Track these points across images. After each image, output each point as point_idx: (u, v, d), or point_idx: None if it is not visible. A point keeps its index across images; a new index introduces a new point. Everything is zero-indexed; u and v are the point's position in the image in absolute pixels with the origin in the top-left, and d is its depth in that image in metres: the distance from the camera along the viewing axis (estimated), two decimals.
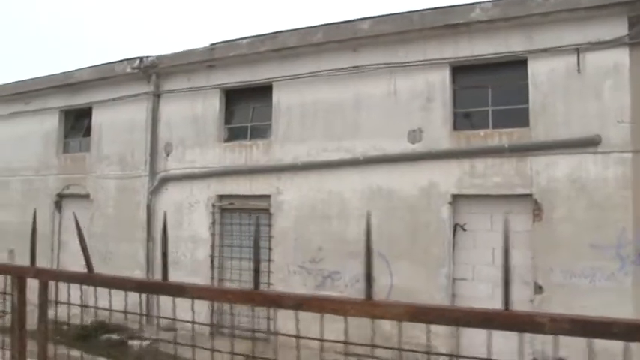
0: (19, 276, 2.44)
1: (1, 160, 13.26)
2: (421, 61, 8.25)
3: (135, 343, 9.21)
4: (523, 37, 7.71)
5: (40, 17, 52.81)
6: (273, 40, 9.12)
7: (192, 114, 10.10)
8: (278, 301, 1.85)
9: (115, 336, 9.50)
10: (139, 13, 55.78)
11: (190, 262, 9.83)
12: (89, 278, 2.28)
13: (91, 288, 2.33)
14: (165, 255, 2.00)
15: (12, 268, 2.52)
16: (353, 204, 8.50)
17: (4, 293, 2.63)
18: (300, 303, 1.77)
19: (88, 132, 11.95)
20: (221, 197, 9.69)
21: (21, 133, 12.86)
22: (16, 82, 12.86)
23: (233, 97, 9.97)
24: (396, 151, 8.28)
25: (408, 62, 8.32)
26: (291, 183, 8.99)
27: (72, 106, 12.01)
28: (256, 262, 1.88)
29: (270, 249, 9.07)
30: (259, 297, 1.85)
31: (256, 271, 1.86)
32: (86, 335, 9.52)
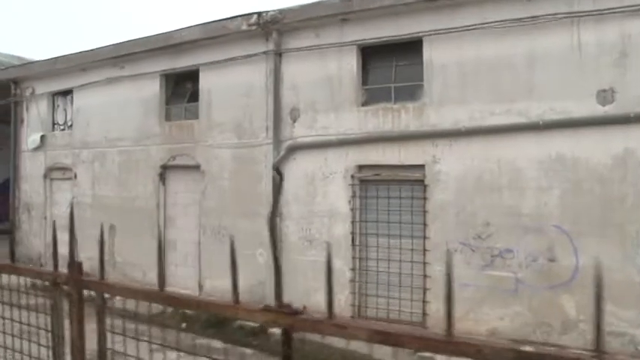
0: None
1: (98, 130, 13.13)
2: (613, 8, 7.49)
3: (276, 331, 8.96)
4: None
5: None
6: None
7: (323, 74, 9.61)
8: None
9: (250, 323, 9.28)
10: None
11: (327, 240, 9.48)
12: None
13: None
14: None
15: None
16: (528, 174, 7.95)
17: None
18: None
19: (193, 97, 11.64)
20: (361, 167, 9.26)
21: (117, 101, 12.66)
22: (111, 45, 12.58)
23: (371, 54, 9.43)
24: (582, 114, 7.63)
25: (596, 10, 7.58)
26: (450, 150, 8.48)
27: (175, 70, 11.68)
28: None
29: (425, 225, 8.65)
30: None
31: None
32: (217, 322, 9.36)
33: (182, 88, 12.00)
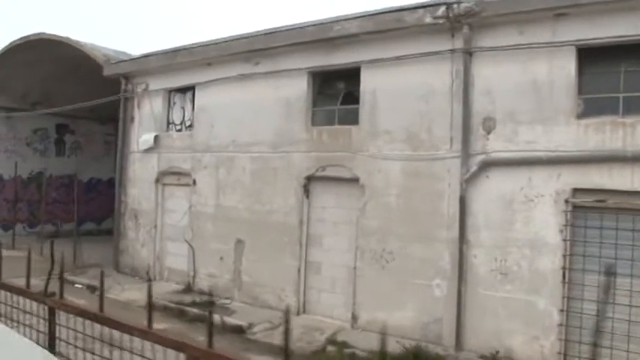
0: None
1: (224, 132, 12.80)
2: None
3: None
4: None
5: None
6: None
7: (529, 79, 8.92)
8: None
9: None
10: None
11: (528, 275, 8.77)
12: None
13: None
14: None
15: None
16: None
17: None
18: None
19: (347, 99, 11.14)
20: (578, 191, 8.50)
21: (250, 101, 12.30)
22: (244, 37, 12.24)
23: (590, 57, 8.66)
24: None
25: None
26: None
27: (328, 67, 11.17)
28: None
29: None
30: None
31: None
32: None
33: (332, 89, 11.50)
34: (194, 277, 13.09)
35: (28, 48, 17.09)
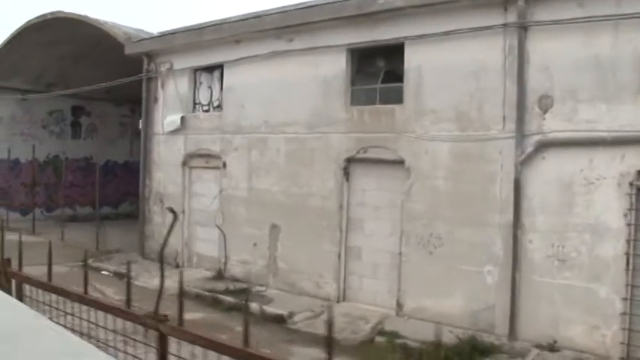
0: None
1: (256, 112, 12.52)
2: None
3: None
4: None
5: None
6: None
7: (589, 55, 8.58)
8: None
9: None
10: None
11: (588, 261, 8.50)
12: None
13: None
14: None
15: None
16: None
17: None
18: None
19: (387, 77, 10.81)
20: None
21: (284, 79, 12.02)
22: (276, 12, 11.92)
23: None
24: None
25: None
26: None
27: (369, 43, 10.84)
28: None
29: None
30: None
31: None
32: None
33: (372, 67, 11.20)
34: (225, 263, 12.91)
35: (44, 27, 16.82)
